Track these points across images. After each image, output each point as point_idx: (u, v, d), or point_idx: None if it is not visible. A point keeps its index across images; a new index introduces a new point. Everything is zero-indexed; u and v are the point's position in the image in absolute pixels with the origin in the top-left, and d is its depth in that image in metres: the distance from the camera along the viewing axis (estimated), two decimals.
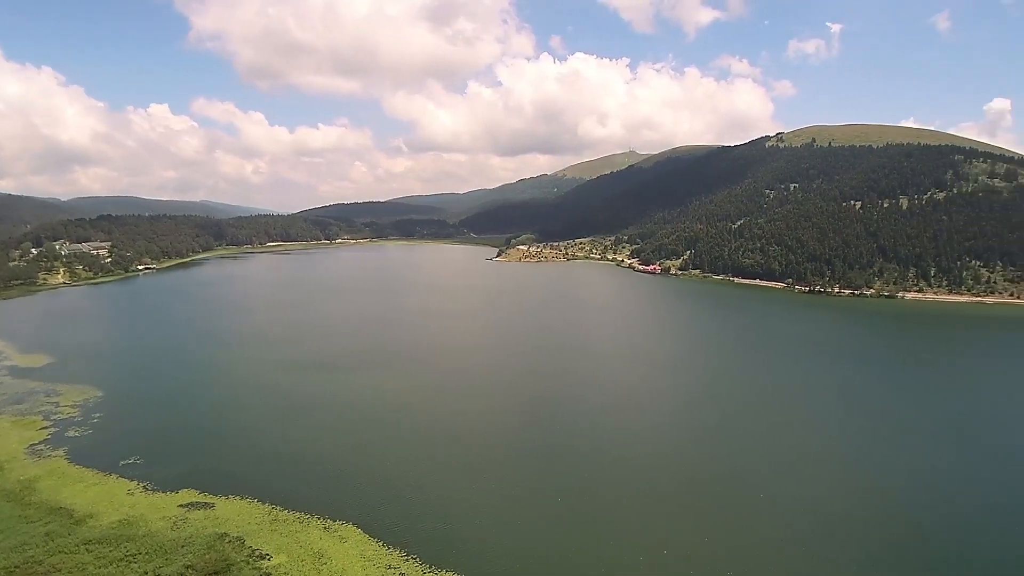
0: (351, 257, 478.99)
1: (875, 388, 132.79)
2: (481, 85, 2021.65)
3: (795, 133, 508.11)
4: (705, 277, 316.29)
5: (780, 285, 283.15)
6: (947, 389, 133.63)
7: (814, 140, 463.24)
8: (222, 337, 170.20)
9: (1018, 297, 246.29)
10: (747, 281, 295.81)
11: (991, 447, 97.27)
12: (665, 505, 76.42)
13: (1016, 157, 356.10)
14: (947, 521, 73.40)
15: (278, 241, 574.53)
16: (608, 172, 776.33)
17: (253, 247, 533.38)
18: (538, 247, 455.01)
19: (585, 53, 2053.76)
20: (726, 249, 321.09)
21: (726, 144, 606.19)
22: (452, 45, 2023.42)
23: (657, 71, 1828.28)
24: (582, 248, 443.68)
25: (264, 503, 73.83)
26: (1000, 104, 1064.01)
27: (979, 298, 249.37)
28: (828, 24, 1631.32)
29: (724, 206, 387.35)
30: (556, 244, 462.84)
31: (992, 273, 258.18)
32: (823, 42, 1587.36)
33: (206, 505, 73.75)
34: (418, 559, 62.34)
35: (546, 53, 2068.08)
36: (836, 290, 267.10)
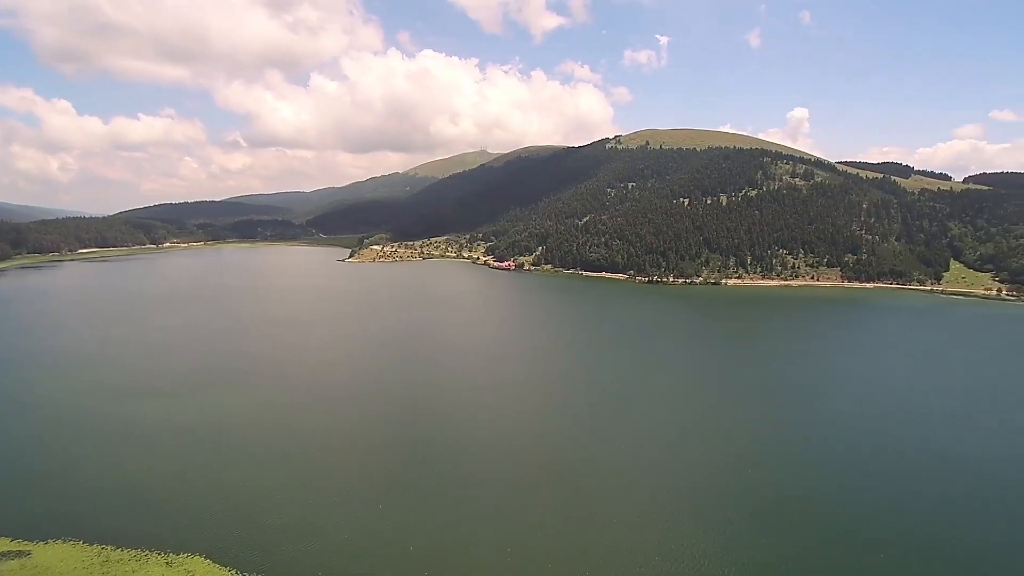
0: (183, 263, 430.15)
1: (713, 364, 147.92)
2: (326, 78, 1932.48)
3: (631, 136, 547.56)
4: (556, 271, 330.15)
5: (623, 276, 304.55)
6: (769, 361, 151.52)
7: (648, 143, 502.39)
8: (33, 361, 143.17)
9: (817, 280, 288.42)
10: (594, 274, 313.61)
11: (816, 411, 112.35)
12: (533, 492, 78.60)
13: (813, 159, 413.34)
14: (800, 483, 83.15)
15: (92, 247, 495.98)
16: (461, 171, 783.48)
17: (62, 254, 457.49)
18: (393, 247, 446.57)
19: (434, 51, 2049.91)
20: (574, 244, 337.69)
21: (571, 145, 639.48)
22: (294, 34, 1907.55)
23: (505, 72, 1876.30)
24: (437, 246, 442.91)
25: (93, 544, 64.32)
26: (800, 113, 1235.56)
27: (786, 282, 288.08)
28: (657, 36, 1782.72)
29: (571, 204, 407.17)
30: (411, 243, 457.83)
31: (796, 260, 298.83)
32: (654, 53, 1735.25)
33: (21, 553, 62.65)
34: None
35: (394, 48, 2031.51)
36: (671, 279, 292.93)
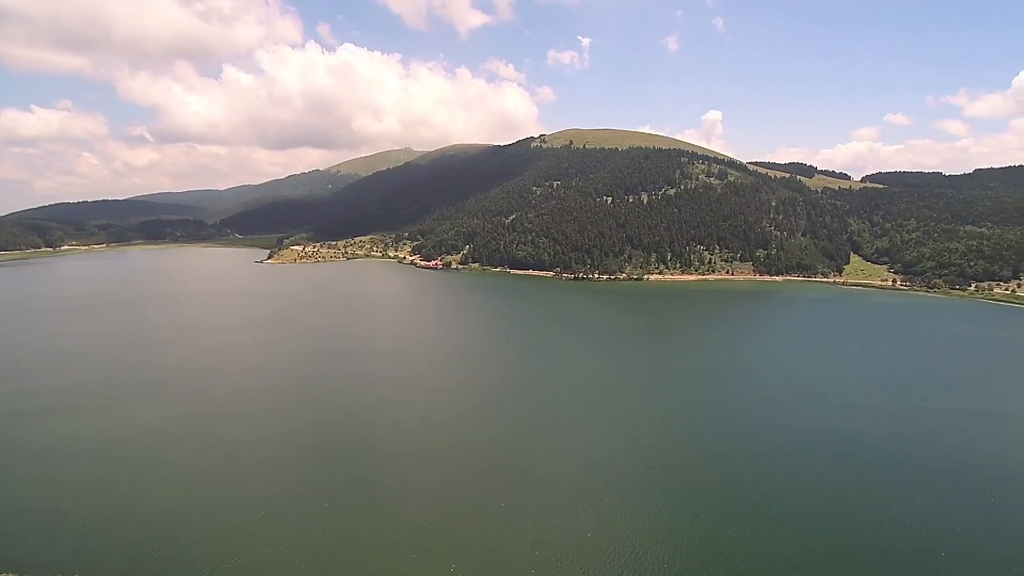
0: (84, 267, 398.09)
1: (637, 358, 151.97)
2: (240, 71, 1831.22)
3: (555, 135, 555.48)
4: (484, 269, 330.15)
5: (550, 274, 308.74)
6: (689, 353, 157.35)
7: (571, 142, 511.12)
8: None
9: (731, 274, 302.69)
10: (522, 272, 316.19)
11: (733, 399, 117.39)
12: (466, 495, 77.96)
13: (726, 159, 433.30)
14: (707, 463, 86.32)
15: None
16: (385, 168, 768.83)
17: None
18: (315, 247, 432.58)
19: (356, 45, 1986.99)
20: (501, 243, 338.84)
21: (498, 144, 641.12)
22: (205, 23, 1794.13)
23: (430, 69, 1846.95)
24: (362, 246, 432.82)
25: None
26: (714, 115, 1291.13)
27: (704, 276, 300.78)
28: (580, 37, 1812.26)
29: (498, 202, 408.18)
30: (334, 243, 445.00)
31: (712, 255, 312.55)
32: (576, 54, 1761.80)
33: None
34: None
35: (313, 41, 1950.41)
36: (596, 276, 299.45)
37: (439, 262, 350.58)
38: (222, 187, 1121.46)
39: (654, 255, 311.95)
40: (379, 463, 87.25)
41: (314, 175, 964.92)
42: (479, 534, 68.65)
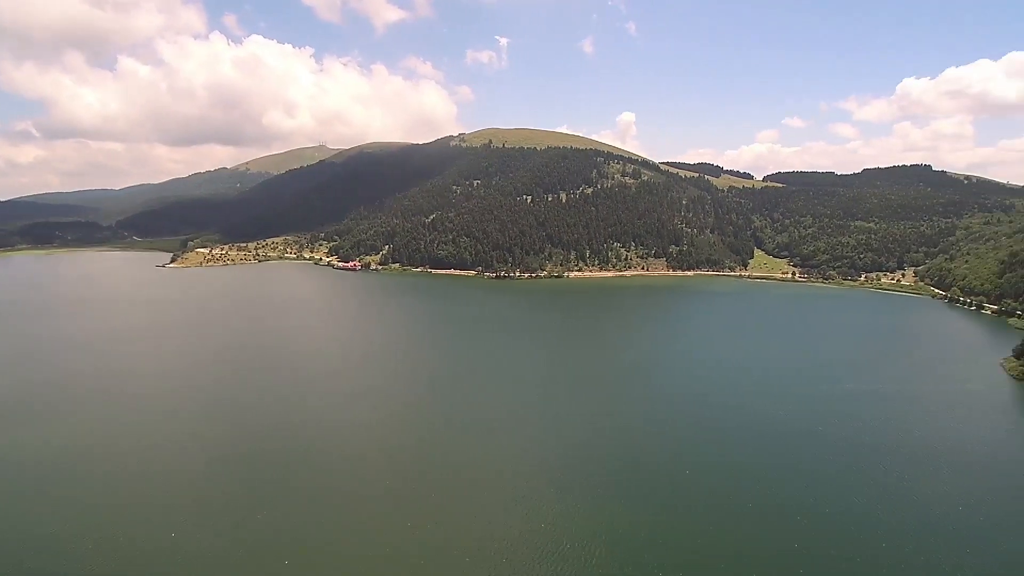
0: None
1: (559, 352, 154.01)
2: (137, 61, 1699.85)
3: (475, 134, 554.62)
4: (405, 270, 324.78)
5: (472, 273, 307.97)
6: (612, 346, 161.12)
7: (491, 141, 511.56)
8: None
9: (647, 269, 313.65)
10: (443, 271, 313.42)
11: (651, 390, 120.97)
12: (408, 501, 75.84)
13: (640, 159, 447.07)
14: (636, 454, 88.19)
15: None
16: (299, 166, 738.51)
17: None
18: (223, 249, 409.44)
19: (264, 37, 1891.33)
20: (422, 242, 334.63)
21: (416, 142, 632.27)
22: (99, 10, 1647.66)
23: (344, 65, 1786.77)
24: (275, 248, 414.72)
25: None
26: (627, 116, 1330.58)
27: (621, 272, 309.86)
28: (498, 37, 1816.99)
29: (418, 201, 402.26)
30: (244, 245, 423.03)
31: (629, 252, 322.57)
32: (495, 53, 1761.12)
33: None
34: None
35: (219, 32, 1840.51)
36: (518, 274, 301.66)
37: (357, 263, 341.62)
38: (119, 186, 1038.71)
39: (574, 253, 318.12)
40: (308, 469, 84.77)
41: (221, 173, 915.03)
42: (414, 535, 68.16)
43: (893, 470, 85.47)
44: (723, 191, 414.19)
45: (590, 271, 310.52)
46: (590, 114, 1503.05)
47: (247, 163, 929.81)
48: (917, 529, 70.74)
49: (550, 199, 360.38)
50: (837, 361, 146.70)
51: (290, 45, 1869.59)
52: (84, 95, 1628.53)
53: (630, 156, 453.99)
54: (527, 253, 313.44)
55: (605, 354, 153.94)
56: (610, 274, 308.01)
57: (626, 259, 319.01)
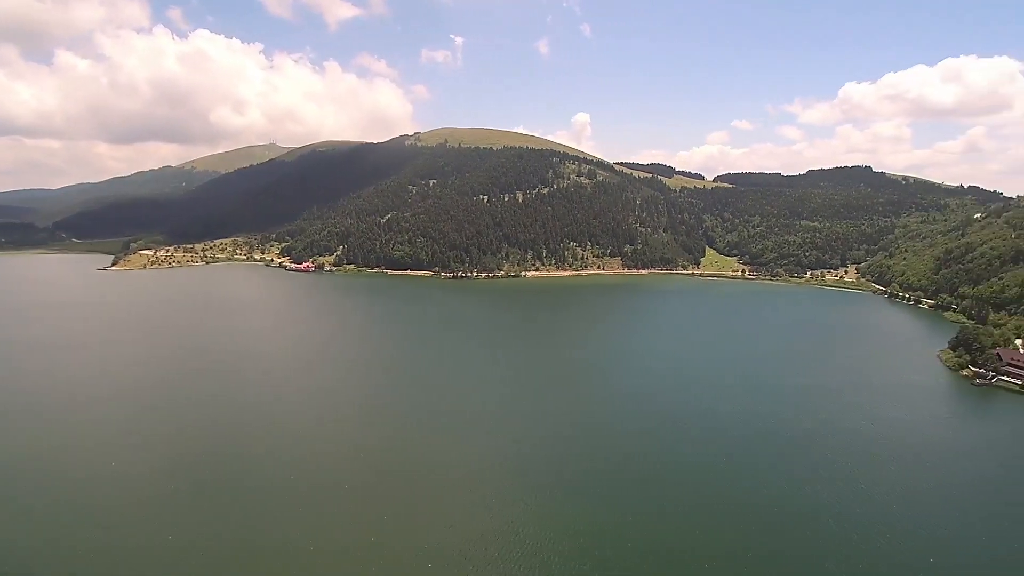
0: None
1: (517, 351, 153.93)
2: (76, 55, 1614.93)
3: (430, 133, 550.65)
4: (360, 271, 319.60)
5: (428, 273, 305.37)
6: (569, 345, 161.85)
7: (447, 141, 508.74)
8: None
9: (602, 269, 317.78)
10: (399, 272, 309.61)
11: (608, 389, 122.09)
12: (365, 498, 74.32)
13: (595, 160, 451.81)
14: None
15: None
16: (248, 165, 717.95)
17: None
18: (168, 251, 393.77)
19: (211, 32, 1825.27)
20: (377, 242, 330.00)
21: (371, 141, 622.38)
22: (35, 0, 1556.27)
23: (296, 61, 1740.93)
24: (224, 249, 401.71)
25: None
26: (582, 117, 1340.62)
27: (578, 271, 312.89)
28: (453, 36, 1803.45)
29: (372, 201, 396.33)
30: (191, 246, 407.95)
31: (585, 251, 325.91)
32: (450, 52, 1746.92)
33: None
34: None
35: (163, 26, 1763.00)
36: (475, 274, 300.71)
37: (311, 264, 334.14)
38: (56, 185, 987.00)
39: (531, 252, 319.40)
40: (263, 472, 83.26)
41: (166, 172, 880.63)
42: (373, 535, 67.60)
43: (840, 461, 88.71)
44: (675, 191, 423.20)
45: (547, 271, 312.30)
46: (546, 114, 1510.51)
47: (193, 161, 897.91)
48: (863, 517, 73.38)
49: (507, 199, 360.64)
50: (786, 356, 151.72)
51: (238, 40, 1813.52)
52: (19, 90, 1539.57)
53: (585, 156, 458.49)
54: (484, 253, 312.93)
55: (564, 353, 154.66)
56: (567, 273, 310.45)
57: (582, 258, 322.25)
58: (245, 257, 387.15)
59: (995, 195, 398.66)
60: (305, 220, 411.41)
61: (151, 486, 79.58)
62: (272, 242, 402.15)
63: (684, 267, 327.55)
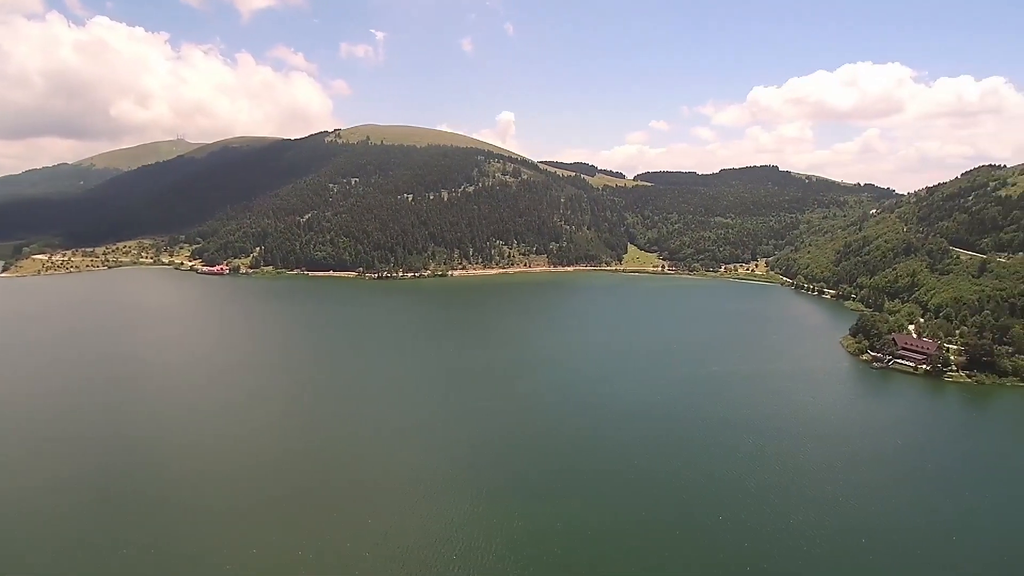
0: None
1: (445, 352, 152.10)
2: None
3: (351, 130, 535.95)
4: (279, 273, 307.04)
5: (352, 274, 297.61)
6: (497, 344, 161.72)
7: (368, 138, 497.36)
8: None
9: (529, 266, 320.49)
10: (321, 273, 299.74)
11: (538, 382, 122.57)
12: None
13: (519, 159, 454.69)
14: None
15: None
16: (153, 162, 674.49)
17: None
18: (65, 255, 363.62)
19: (111, 19, 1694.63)
20: (297, 243, 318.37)
21: (288, 137, 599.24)
22: None
23: (205, 52, 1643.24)
24: (128, 252, 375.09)
25: None
26: (507, 116, 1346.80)
27: (504, 269, 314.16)
28: (373, 31, 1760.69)
29: (291, 200, 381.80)
30: (92, 249, 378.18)
31: (511, 250, 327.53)
32: (371, 48, 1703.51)
33: None
34: None
35: (57, 12, 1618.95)
36: (400, 274, 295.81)
37: (224, 267, 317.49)
38: None
39: (457, 251, 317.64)
40: (177, 485, 79.25)
41: (62, 169, 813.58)
42: (301, 546, 65.66)
43: (758, 442, 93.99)
44: (598, 190, 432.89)
45: (474, 269, 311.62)
46: (470, 113, 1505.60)
47: (92, 158, 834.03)
48: (778, 493, 77.98)
49: (432, 197, 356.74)
50: (703, 346, 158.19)
51: (141, 28, 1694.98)
52: None
53: (510, 155, 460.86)
54: (410, 252, 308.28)
55: (493, 352, 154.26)
56: (494, 271, 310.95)
57: (509, 256, 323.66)
58: (152, 261, 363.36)
59: (888, 192, 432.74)
60: (218, 220, 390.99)
61: (50, 501, 74.18)
62: (182, 244, 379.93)
63: (608, 263, 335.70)
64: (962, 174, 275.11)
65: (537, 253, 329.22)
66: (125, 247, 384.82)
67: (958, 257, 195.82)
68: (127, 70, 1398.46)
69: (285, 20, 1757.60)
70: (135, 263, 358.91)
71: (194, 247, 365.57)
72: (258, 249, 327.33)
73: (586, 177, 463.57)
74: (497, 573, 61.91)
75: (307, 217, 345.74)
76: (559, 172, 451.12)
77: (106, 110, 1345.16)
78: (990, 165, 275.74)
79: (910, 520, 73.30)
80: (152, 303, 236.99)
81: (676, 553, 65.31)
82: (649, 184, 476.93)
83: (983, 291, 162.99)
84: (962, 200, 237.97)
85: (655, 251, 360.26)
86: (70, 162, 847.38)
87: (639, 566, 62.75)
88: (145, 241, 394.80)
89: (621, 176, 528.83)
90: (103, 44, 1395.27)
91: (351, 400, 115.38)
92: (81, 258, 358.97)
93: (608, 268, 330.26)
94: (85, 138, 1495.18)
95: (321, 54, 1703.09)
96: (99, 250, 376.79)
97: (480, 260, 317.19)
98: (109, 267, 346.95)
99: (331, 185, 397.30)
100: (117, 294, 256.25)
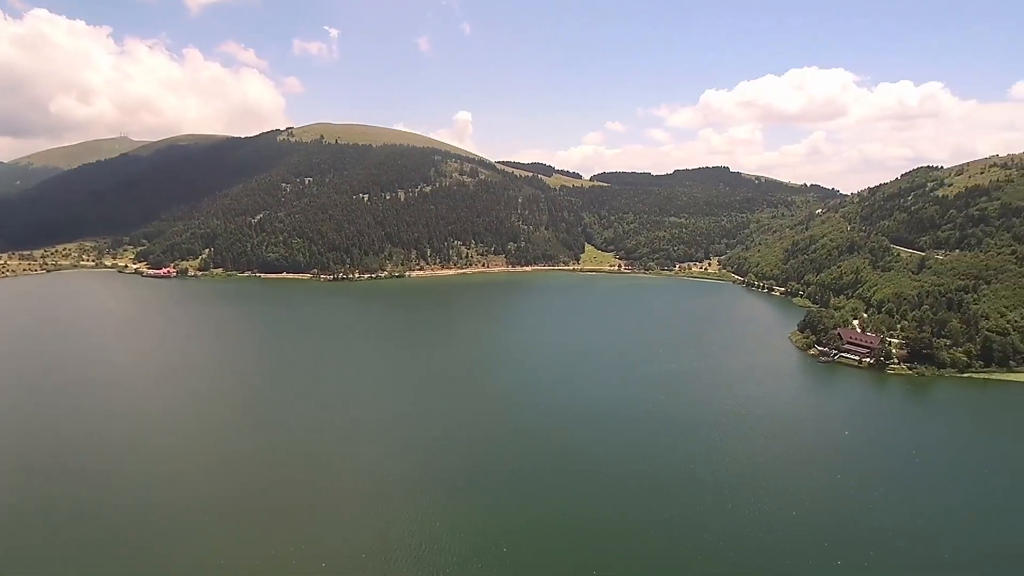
0: None
1: (399, 354, 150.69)
2: None
3: (304, 129, 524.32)
4: (229, 275, 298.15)
5: (307, 276, 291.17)
6: (453, 345, 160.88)
7: (323, 137, 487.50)
8: None
9: (487, 266, 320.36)
10: (274, 275, 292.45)
11: (494, 382, 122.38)
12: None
13: (477, 159, 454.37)
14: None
15: None
16: (95, 160, 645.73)
17: None
18: (0, 259, 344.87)
19: (50, 12, 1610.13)
20: (248, 244, 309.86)
21: (238, 135, 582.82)
22: None
23: (150, 47, 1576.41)
24: (68, 255, 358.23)
25: None
26: (464, 116, 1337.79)
27: (463, 270, 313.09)
28: (327, 28, 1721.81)
29: (242, 200, 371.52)
30: (28, 253, 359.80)
31: (469, 250, 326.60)
32: (325, 45, 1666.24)
33: None
34: None
35: None
36: (357, 275, 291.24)
37: (172, 269, 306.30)
38: None
39: (414, 252, 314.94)
40: (124, 491, 76.70)
41: None
42: (257, 549, 64.63)
43: (712, 436, 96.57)
44: (555, 190, 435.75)
45: (432, 270, 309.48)
46: (427, 112, 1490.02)
47: (30, 157, 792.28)
48: (734, 484, 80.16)
49: (388, 197, 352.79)
50: (658, 343, 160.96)
51: (83, 22, 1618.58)
52: None
53: (468, 155, 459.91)
54: (366, 253, 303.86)
55: (450, 353, 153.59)
56: (452, 272, 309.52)
57: (467, 257, 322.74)
58: (94, 264, 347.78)
59: (833, 193, 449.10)
60: (164, 221, 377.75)
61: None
62: (126, 246, 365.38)
63: (565, 263, 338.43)
64: (902, 175, 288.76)
65: (495, 253, 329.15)
66: (65, 250, 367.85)
67: (899, 255, 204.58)
68: (68, 65, 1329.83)
69: (235, 15, 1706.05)
70: (76, 266, 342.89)
71: (139, 249, 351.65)
72: (207, 251, 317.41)
73: (543, 177, 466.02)
74: (460, 573, 61.62)
75: (259, 217, 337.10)
76: (517, 172, 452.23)
77: (46, 106, 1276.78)
78: (928, 167, 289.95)
79: (860, 505, 76.29)
80: (94, 307, 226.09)
81: (635, 548, 66.16)
82: (605, 184, 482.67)
83: (922, 287, 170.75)
84: (902, 200, 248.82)
85: (612, 251, 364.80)
86: (6, 161, 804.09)
87: (597, 563, 63.23)
88: (87, 243, 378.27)
89: (578, 176, 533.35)
90: (42, 37, 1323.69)
91: (306, 402, 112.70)
92: (18, 262, 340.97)
93: (566, 268, 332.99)
94: (23, 136, 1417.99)
95: (273, 50, 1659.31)
96: (37, 253, 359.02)
97: (438, 260, 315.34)
98: (48, 271, 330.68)
99: (284, 185, 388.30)
100: (59, 300, 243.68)
